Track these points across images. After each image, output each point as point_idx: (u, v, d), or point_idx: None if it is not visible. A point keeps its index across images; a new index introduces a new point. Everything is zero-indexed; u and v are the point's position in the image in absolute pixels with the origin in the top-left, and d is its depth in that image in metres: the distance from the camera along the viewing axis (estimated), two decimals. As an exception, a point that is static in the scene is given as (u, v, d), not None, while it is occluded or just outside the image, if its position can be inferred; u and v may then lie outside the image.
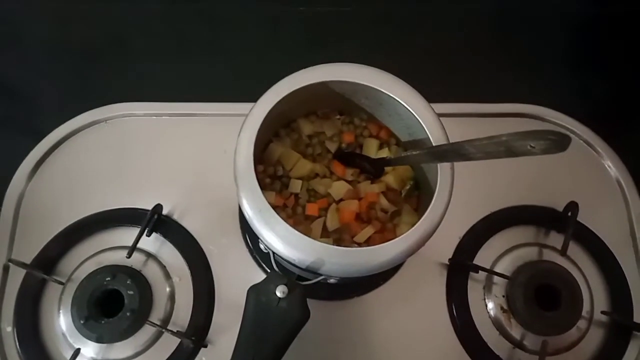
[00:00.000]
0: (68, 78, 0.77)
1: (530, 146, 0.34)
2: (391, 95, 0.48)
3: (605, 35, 0.84)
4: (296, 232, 0.42)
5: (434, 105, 0.48)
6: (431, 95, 0.49)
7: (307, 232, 0.43)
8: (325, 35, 0.82)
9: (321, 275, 0.43)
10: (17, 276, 0.62)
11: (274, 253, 0.45)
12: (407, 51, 0.79)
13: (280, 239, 0.42)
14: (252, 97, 0.48)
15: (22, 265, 0.61)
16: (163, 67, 0.77)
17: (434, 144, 0.47)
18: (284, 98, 0.47)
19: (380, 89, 0.48)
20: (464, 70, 0.79)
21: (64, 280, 0.61)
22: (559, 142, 0.33)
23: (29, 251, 0.63)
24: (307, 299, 0.44)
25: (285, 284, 0.41)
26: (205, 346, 0.60)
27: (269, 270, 0.62)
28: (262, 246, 0.48)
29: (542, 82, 0.79)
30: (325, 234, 0.51)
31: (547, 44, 0.83)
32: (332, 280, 0.46)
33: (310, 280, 0.46)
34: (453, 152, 0.43)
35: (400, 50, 0.79)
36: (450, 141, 0.46)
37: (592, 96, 0.80)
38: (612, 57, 0.83)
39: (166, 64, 0.78)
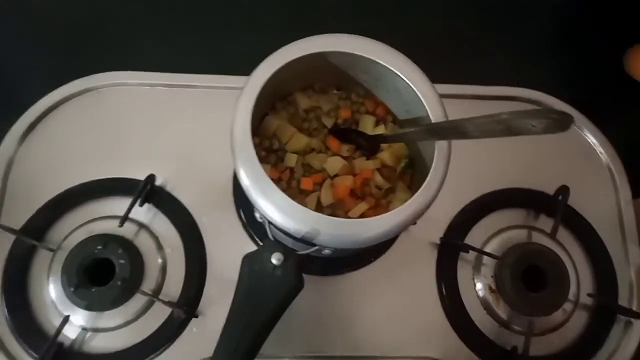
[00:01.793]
0: (61, 50, 0.75)
1: (532, 125, 0.34)
2: (391, 68, 0.47)
3: (598, 23, 0.84)
4: (292, 201, 0.42)
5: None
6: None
7: (301, 206, 0.43)
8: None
9: (315, 245, 0.43)
10: (5, 243, 0.61)
11: (269, 223, 0.45)
12: (395, 34, 0.78)
13: (277, 208, 0.42)
14: (249, 71, 0.47)
15: (12, 231, 0.60)
16: (157, 41, 0.76)
17: (432, 121, 0.46)
18: (280, 69, 0.46)
19: (379, 61, 0.47)
20: (454, 55, 0.78)
21: (54, 248, 0.61)
22: (560, 121, 0.33)
23: (18, 218, 0.62)
24: (299, 274, 0.44)
25: (282, 252, 0.41)
26: (197, 316, 0.61)
27: (261, 244, 0.62)
28: (257, 215, 0.48)
29: (536, 69, 0.79)
30: (319, 209, 0.51)
31: (540, 32, 0.83)
32: (326, 252, 0.46)
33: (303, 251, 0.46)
34: (451, 130, 0.43)
35: (389, 33, 0.78)
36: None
37: (586, 84, 0.80)
38: (604, 46, 0.83)
39: (161, 38, 0.76)
